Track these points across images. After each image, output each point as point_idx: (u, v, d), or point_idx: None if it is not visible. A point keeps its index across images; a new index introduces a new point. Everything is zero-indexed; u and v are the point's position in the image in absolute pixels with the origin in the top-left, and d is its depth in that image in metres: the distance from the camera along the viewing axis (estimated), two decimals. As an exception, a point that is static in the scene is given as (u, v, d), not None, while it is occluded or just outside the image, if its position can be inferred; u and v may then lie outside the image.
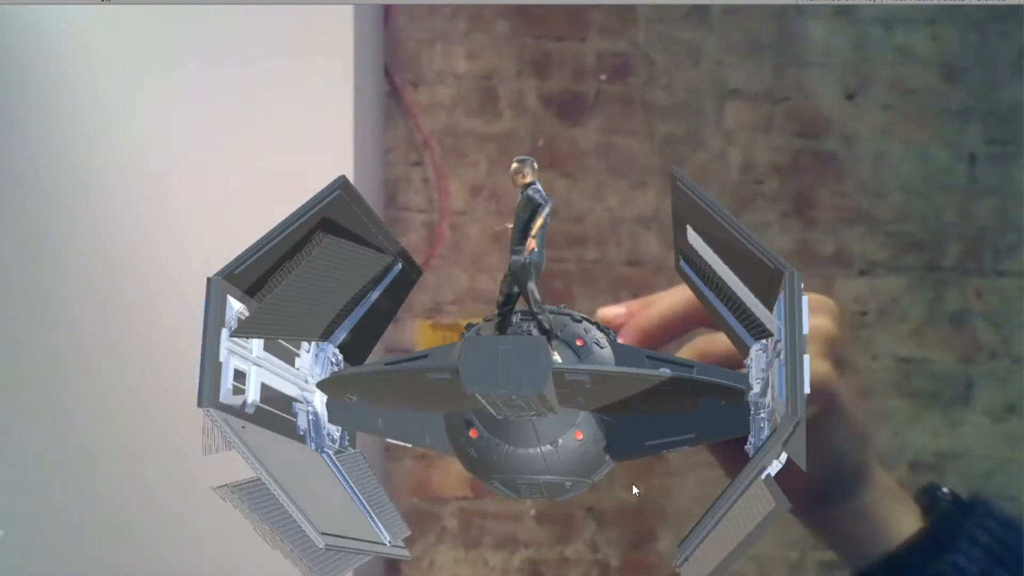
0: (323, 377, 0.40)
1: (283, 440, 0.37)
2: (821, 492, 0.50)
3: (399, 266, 0.42)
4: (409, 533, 0.41)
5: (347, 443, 0.42)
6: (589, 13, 1.65)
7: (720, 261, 0.38)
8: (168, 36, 1.14)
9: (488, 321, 0.39)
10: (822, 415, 0.48)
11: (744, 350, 0.38)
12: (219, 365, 0.33)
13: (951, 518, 0.54)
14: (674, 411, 0.37)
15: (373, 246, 0.41)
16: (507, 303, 0.37)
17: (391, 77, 1.61)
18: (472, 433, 0.38)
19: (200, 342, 0.33)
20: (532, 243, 0.34)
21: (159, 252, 1.12)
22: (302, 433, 0.39)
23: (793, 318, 0.31)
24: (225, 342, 0.33)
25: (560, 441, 0.37)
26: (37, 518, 1.07)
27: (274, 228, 0.36)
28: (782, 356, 0.32)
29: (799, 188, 1.68)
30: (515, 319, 0.37)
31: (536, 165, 0.35)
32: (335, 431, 0.41)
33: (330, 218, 0.38)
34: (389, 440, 0.41)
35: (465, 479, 1.55)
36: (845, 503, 0.53)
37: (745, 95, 1.68)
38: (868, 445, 0.53)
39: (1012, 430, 1.66)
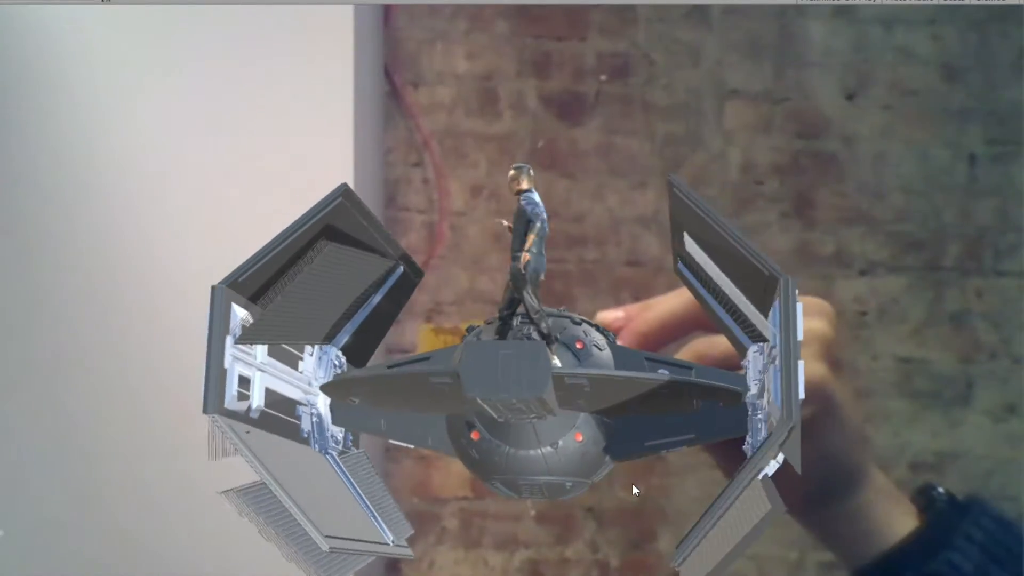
0: (327, 380, 0.40)
1: (287, 443, 0.37)
2: (818, 492, 0.50)
3: (400, 269, 0.43)
4: (413, 532, 0.42)
5: (350, 444, 0.42)
6: (589, 13, 1.65)
7: (716, 267, 0.38)
8: (168, 36, 1.14)
9: (489, 324, 0.39)
10: (818, 417, 0.48)
11: (742, 351, 0.38)
12: (224, 372, 0.33)
13: (947, 517, 0.55)
14: (673, 412, 0.37)
15: (375, 251, 0.41)
16: (509, 308, 0.37)
17: (391, 77, 1.61)
18: (474, 435, 0.38)
19: (204, 348, 0.33)
20: (526, 256, 0.34)
21: (159, 252, 1.12)
22: (306, 435, 0.39)
23: (788, 324, 0.32)
24: (230, 349, 0.34)
25: (560, 442, 0.37)
26: (37, 518, 1.07)
27: (277, 236, 0.36)
28: (777, 362, 0.32)
29: (799, 188, 1.68)
30: (516, 322, 0.38)
31: (532, 172, 0.35)
32: (339, 432, 0.41)
33: (332, 225, 0.39)
34: (392, 441, 0.42)
35: (465, 479, 1.56)
36: (842, 503, 0.53)
37: (745, 95, 1.68)
38: (864, 446, 0.53)
39: (1012, 430, 1.66)
